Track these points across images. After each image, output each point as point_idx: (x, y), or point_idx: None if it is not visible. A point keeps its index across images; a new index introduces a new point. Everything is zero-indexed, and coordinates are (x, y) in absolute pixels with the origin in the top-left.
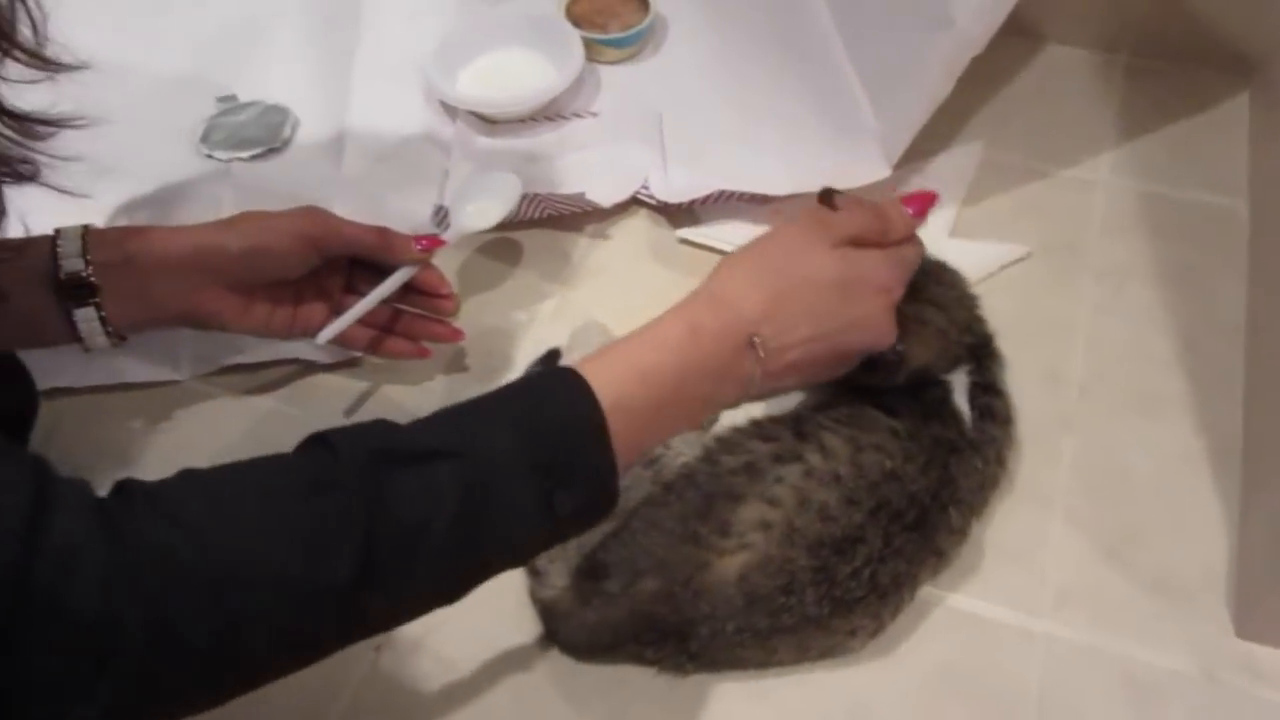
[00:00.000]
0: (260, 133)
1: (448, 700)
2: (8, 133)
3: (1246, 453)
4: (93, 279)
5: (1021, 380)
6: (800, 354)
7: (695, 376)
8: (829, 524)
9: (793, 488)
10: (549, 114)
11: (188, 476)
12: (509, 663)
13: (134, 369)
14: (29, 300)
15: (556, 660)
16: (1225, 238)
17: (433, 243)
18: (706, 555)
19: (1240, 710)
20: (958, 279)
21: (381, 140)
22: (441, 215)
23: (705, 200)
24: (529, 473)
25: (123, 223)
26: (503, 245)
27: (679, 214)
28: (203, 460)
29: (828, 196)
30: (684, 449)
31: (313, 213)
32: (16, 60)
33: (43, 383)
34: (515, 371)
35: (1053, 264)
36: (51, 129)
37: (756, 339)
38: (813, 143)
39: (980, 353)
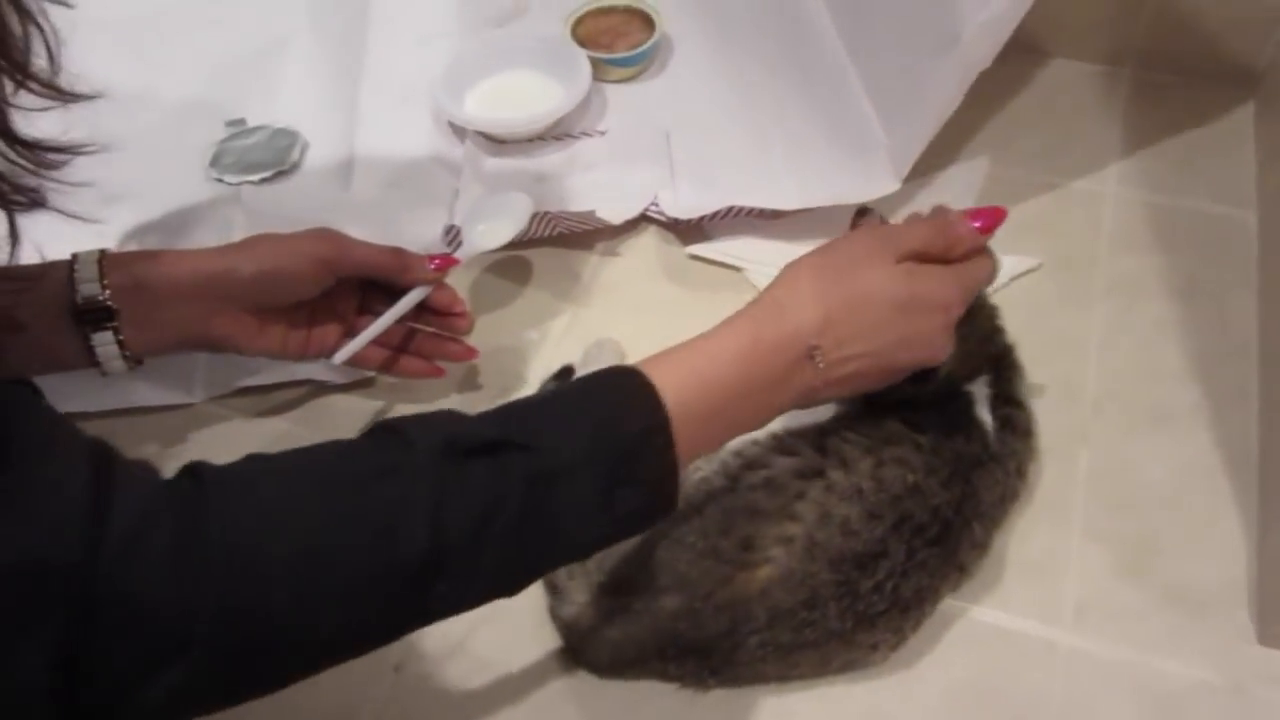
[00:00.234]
0: (269, 156)
1: (470, 719)
2: (20, 160)
3: (1264, 462)
4: (110, 304)
5: (1036, 394)
6: (856, 367)
7: (754, 387)
8: (851, 538)
9: (814, 502)
10: (557, 134)
11: (255, 459)
12: (530, 681)
13: (148, 392)
14: (46, 326)
15: (578, 678)
16: (1234, 249)
17: (446, 262)
18: (729, 571)
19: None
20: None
21: (391, 162)
22: (453, 235)
23: (715, 217)
24: (593, 469)
25: (133, 247)
26: (514, 264)
27: (689, 231)
28: None
29: (860, 215)
30: (702, 463)
31: (326, 234)
32: (30, 90)
33: (58, 407)
34: (528, 390)
35: (1063, 278)
36: (64, 156)
37: (816, 352)
38: (821, 158)
39: (1000, 363)
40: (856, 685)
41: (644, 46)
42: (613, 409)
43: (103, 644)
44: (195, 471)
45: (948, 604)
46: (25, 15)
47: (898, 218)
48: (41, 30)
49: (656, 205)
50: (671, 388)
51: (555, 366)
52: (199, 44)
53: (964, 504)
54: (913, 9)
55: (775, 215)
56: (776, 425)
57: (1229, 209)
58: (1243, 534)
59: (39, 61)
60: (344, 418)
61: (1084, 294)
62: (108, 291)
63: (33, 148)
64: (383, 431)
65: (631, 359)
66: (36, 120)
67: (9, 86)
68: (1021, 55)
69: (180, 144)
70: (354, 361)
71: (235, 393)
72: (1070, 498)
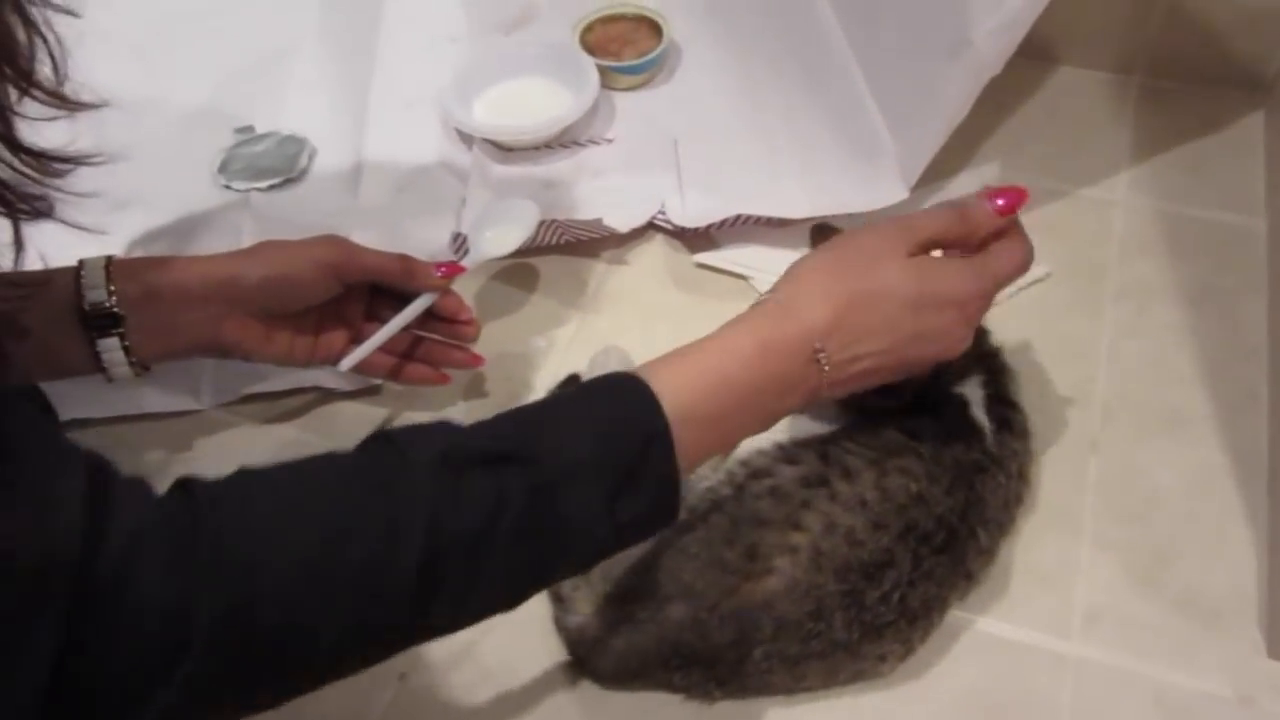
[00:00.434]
0: (277, 163)
1: None
2: (26, 170)
3: (1273, 471)
4: (116, 309)
5: (1046, 401)
6: (866, 365)
7: (760, 391)
8: (856, 548)
9: (819, 513)
10: (564, 141)
11: (247, 473)
12: (535, 692)
13: (154, 399)
14: (52, 332)
15: (583, 689)
16: (1244, 256)
17: (453, 269)
18: (734, 581)
19: None
20: None
21: (398, 169)
22: (460, 242)
23: (722, 225)
24: (593, 478)
25: (141, 254)
26: (521, 271)
27: (696, 239)
28: None
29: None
30: (708, 472)
31: (334, 241)
32: (35, 99)
33: (63, 414)
34: (535, 396)
35: (1073, 284)
36: (70, 166)
37: (821, 354)
38: (830, 165)
39: (990, 364)
40: (864, 697)
41: (652, 54)
42: (612, 417)
43: (100, 654)
44: (187, 486)
45: (956, 615)
46: (30, 24)
47: None
48: (45, 40)
49: (664, 213)
50: (673, 392)
51: (562, 374)
52: (208, 51)
53: (968, 510)
54: (922, 15)
55: (783, 223)
56: (782, 435)
57: (1239, 216)
58: (1252, 543)
59: (44, 70)
60: (350, 425)
61: (1094, 300)
62: (114, 297)
63: (39, 157)
64: (378, 443)
65: None
66: (43, 129)
67: (14, 95)
68: (1031, 62)
69: (188, 151)
70: (360, 368)
71: (242, 399)
72: (1080, 505)
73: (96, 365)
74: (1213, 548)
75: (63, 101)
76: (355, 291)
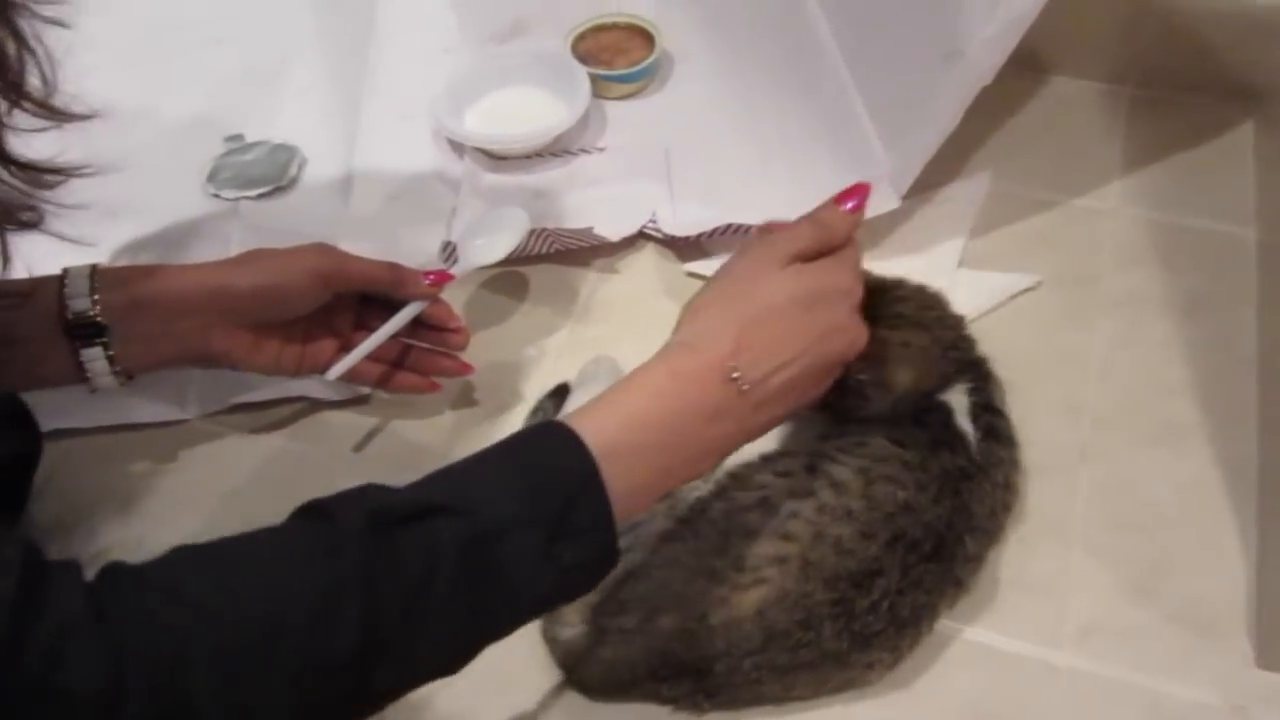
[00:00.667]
0: (268, 171)
1: None
2: (14, 182)
3: (1263, 482)
4: (100, 319)
5: (1037, 412)
6: (784, 378)
7: (684, 419)
8: (845, 558)
9: (807, 522)
10: (556, 150)
11: (179, 552)
12: (524, 703)
13: (140, 409)
14: (36, 341)
15: (572, 700)
16: (1235, 266)
17: (442, 277)
18: (723, 591)
19: None
20: (937, 299)
21: (389, 178)
22: (450, 251)
23: (713, 234)
24: (528, 524)
25: (128, 263)
26: (511, 281)
27: (687, 248)
28: (209, 499)
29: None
30: (698, 483)
31: (322, 249)
32: (25, 110)
33: (46, 424)
34: (525, 406)
35: (1064, 294)
36: (60, 178)
37: (736, 373)
38: (821, 175)
39: (975, 373)
40: (854, 706)
41: (644, 63)
42: (540, 463)
43: None
44: (112, 571)
45: (948, 625)
46: (19, 37)
47: (896, 235)
48: (34, 52)
49: (655, 222)
50: (595, 433)
51: (552, 384)
52: (199, 60)
53: (955, 518)
54: (915, 25)
55: None
56: (769, 446)
57: (1230, 226)
58: (1243, 554)
59: (33, 81)
60: (339, 434)
61: (1086, 311)
62: (99, 307)
63: (27, 168)
64: (307, 513)
65: None
66: (32, 140)
67: (3, 106)
68: (1023, 72)
69: (179, 160)
70: (350, 377)
71: (229, 409)
72: (1071, 516)
73: (80, 375)
74: (1204, 559)
75: (52, 113)
76: (344, 300)
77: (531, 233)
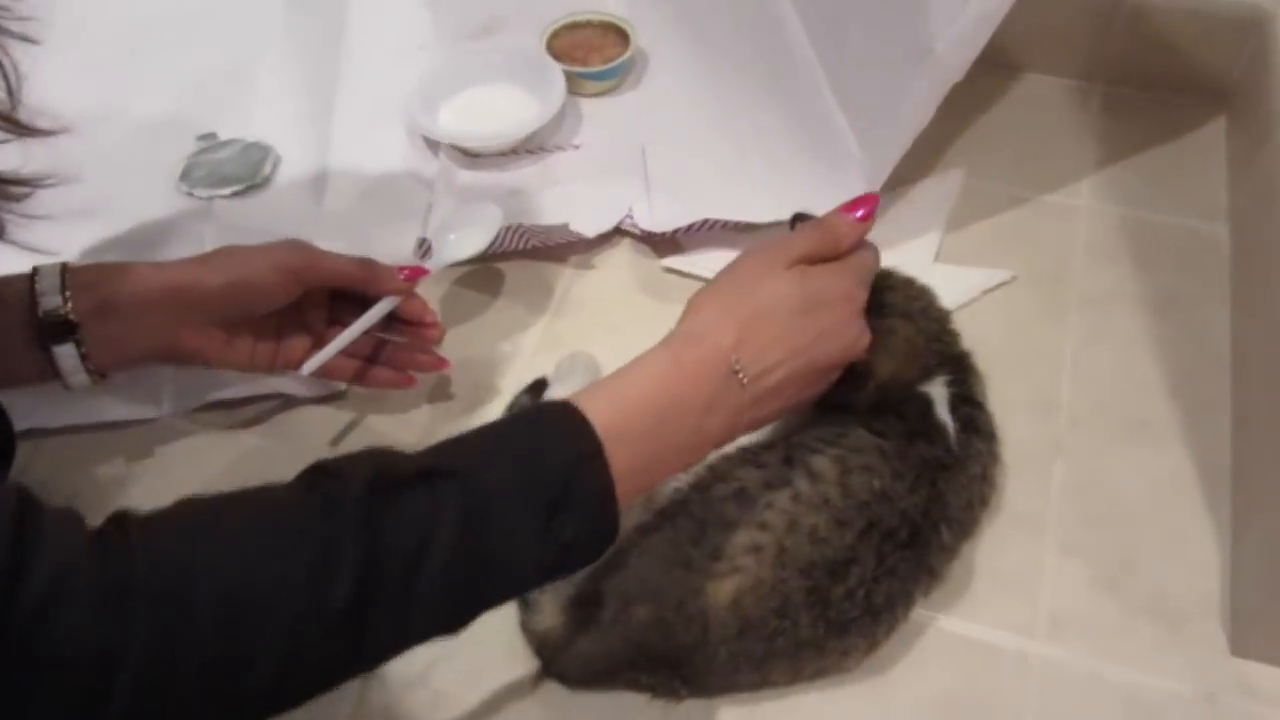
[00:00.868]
0: (241, 170)
1: None
2: None
3: (1236, 475)
4: (71, 316)
5: (1011, 407)
6: (781, 375)
7: (683, 408)
8: (820, 546)
9: (783, 511)
10: (531, 147)
11: (185, 504)
12: (502, 696)
13: (114, 407)
14: (6, 340)
15: (550, 691)
16: (1207, 262)
17: (416, 272)
18: (699, 581)
19: None
20: (925, 292)
21: (363, 176)
22: (424, 248)
23: (689, 229)
24: (529, 497)
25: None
26: (487, 277)
27: (663, 244)
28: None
29: (797, 220)
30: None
31: (294, 245)
32: None
33: (19, 423)
34: (501, 401)
35: (1037, 290)
36: (25, 189)
37: (738, 366)
38: (795, 171)
39: (956, 365)
40: (830, 694)
41: (619, 61)
42: (544, 437)
43: (22, 694)
44: (120, 519)
45: (923, 615)
46: None
47: (871, 230)
48: (1, 65)
49: (631, 218)
50: (602, 415)
51: (528, 379)
52: (171, 58)
53: (931, 507)
54: (885, 23)
55: (749, 228)
56: (747, 437)
57: (1201, 222)
58: (1216, 546)
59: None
60: (314, 431)
61: (1058, 307)
62: (70, 304)
63: None
64: (313, 472)
65: (605, 372)
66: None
67: None
68: (995, 70)
69: (151, 158)
70: (324, 373)
71: (204, 407)
72: (1045, 510)
73: (53, 373)
74: (1176, 551)
75: (17, 127)
76: (317, 296)
77: (507, 229)
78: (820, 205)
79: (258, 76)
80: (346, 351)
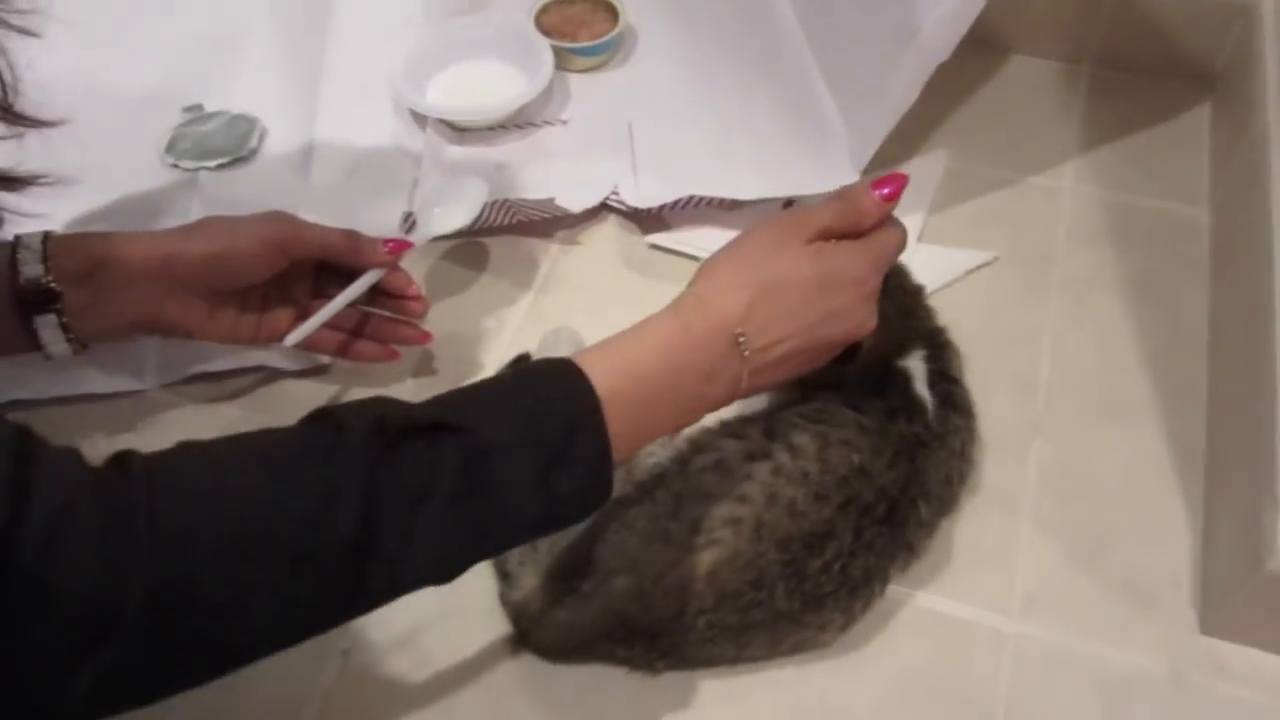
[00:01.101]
0: (227, 142)
1: (419, 706)
2: None
3: (1210, 457)
4: (53, 285)
5: (990, 387)
6: (784, 350)
7: (686, 374)
8: (798, 519)
9: (761, 484)
10: (518, 122)
11: (188, 445)
12: (480, 667)
13: (97, 379)
14: None
15: (528, 663)
16: (1188, 246)
17: (400, 245)
18: (677, 553)
19: (1207, 707)
20: (900, 268)
21: (350, 150)
22: (410, 222)
23: (675, 206)
24: (527, 451)
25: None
26: (472, 251)
27: (649, 220)
28: None
29: (788, 206)
30: (655, 448)
31: (278, 216)
32: None
33: (5, 394)
34: (485, 375)
35: (1019, 271)
36: (20, 185)
37: (741, 338)
38: (781, 149)
39: (934, 341)
40: (807, 668)
41: (608, 37)
42: (545, 393)
43: (24, 628)
44: (122, 457)
45: (899, 591)
46: None
47: None
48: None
49: (617, 194)
50: (604, 376)
51: (512, 354)
52: (157, 29)
53: (909, 483)
54: (872, 3)
55: (735, 205)
56: (728, 411)
57: (1183, 206)
58: (1189, 526)
59: None
60: (297, 404)
61: (1039, 288)
62: (51, 274)
63: None
64: (316, 417)
65: None
66: None
67: None
68: (981, 51)
69: (136, 130)
70: (308, 346)
71: (187, 380)
72: (1021, 489)
73: (34, 343)
74: (1150, 531)
75: (16, 119)
76: (301, 268)
77: (493, 204)
78: (805, 183)
79: (244, 48)
80: (330, 324)
